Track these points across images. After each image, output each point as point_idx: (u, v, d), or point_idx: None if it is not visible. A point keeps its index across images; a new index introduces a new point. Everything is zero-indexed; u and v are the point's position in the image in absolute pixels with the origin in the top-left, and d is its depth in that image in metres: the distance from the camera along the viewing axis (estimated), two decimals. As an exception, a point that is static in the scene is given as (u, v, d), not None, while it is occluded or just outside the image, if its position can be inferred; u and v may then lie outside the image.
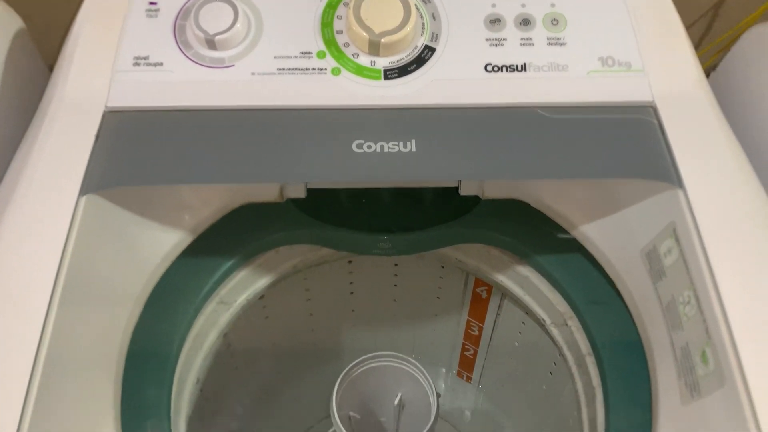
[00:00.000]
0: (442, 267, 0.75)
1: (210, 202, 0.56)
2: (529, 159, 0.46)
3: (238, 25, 0.49)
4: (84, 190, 0.44)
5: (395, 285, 0.79)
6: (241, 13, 0.49)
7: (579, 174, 0.46)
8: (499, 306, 0.74)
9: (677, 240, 0.44)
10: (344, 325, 0.86)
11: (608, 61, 0.50)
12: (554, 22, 0.51)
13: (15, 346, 0.39)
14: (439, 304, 0.82)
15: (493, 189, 0.56)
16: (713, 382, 0.40)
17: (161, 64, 0.49)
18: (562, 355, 0.61)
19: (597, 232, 0.53)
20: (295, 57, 0.49)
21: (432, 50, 0.50)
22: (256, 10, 0.51)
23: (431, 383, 0.66)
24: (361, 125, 0.47)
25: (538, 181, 0.55)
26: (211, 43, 0.49)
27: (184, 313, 0.55)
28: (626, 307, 0.52)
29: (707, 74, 0.53)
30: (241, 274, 0.61)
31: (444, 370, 0.94)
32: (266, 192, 0.57)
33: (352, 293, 0.80)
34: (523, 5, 0.52)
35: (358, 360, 0.67)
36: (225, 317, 0.62)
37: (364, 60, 0.50)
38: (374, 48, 0.49)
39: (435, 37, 0.51)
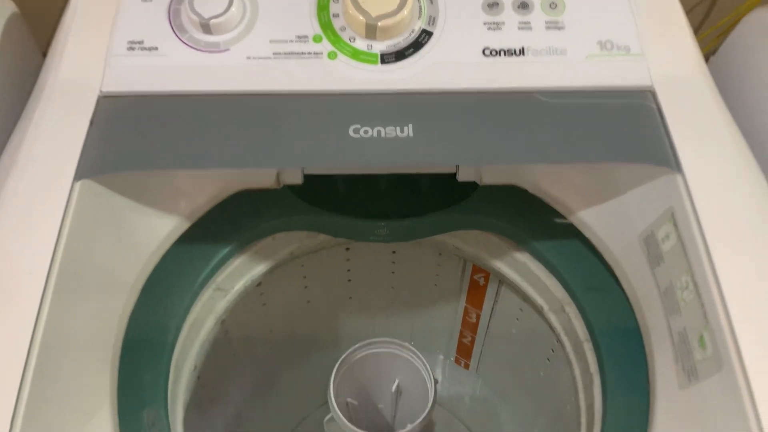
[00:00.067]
0: (440, 254, 0.75)
1: (206, 188, 0.55)
2: (527, 143, 0.46)
3: (233, 8, 0.48)
4: (79, 175, 0.44)
5: (393, 272, 0.79)
6: (236, -4, 0.49)
7: (577, 158, 0.46)
8: (497, 293, 0.74)
9: (675, 225, 0.44)
10: (342, 312, 0.86)
11: (607, 45, 0.50)
12: (552, 5, 0.51)
13: (9, 333, 0.39)
14: (437, 291, 0.82)
15: (491, 175, 0.56)
16: (711, 366, 0.40)
17: (156, 48, 0.49)
18: (559, 341, 0.61)
19: (595, 218, 0.53)
20: (291, 41, 0.49)
21: (429, 34, 0.50)
22: (252, -7, 0.51)
23: (429, 369, 0.66)
24: (358, 110, 0.47)
25: (536, 167, 0.55)
26: (206, 27, 0.48)
27: (181, 300, 0.55)
28: (624, 293, 0.52)
29: (706, 59, 0.52)
30: (237, 261, 0.61)
31: (442, 357, 0.94)
32: (263, 178, 0.56)
33: (349, 281, 0.79)
34: (522, -12, 0.51)
35: (356, 346, 0.67)
36: (222, 304, 0.61)
37: (361, 44, 0.49)
38: (371, 32, 0.48)
39: (432, 20, 0.50)
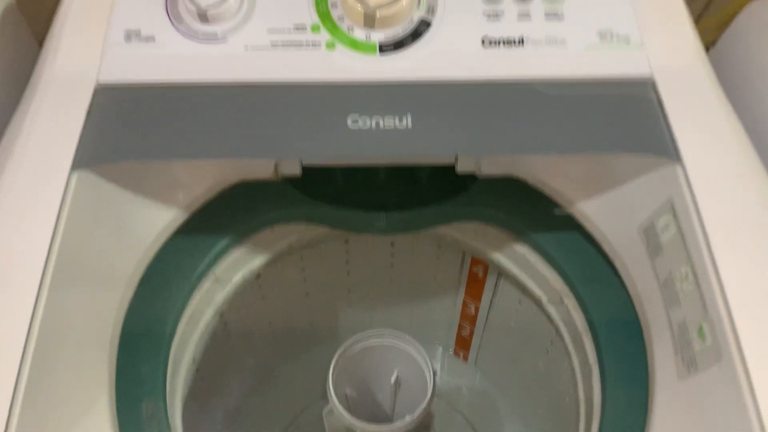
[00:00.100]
0: (439, 246, 0.75)
1: (204, 179, 0.55)
2: (527, 134, 0.46)
3: (231, -2, 0.48)
4: (76, 165, 0.43)
5: (391, 265, 0.79)
6: (233, -15, 0.48)
7: (577, 149, 0.46)
8: (496, 285, 0.74)
9: (675, 215, 0.44)
10: (340, 305, 0.86)
11: (607, 36, 0.49)
12: (552, -5, 0.50)
13: (6, 324, 0.38)
14: (436, 283, 0.82)
15: (490, 166, 0.55)
16: (710, 357, 0.40)
17: (153, 38, 0.48)
18: (558, 333, 0.61)
19: (594, 209, 0.53)
20: (289, 31, 0.49)
21: (428, 24, 0.49)
22: (249, -18, 0.50)
23: (428, 361, 0.66)
24: (356, 100, 0.47)
25: (536, 157, 0.55)
26: (203, 17, 0.48)
27: (179, 292, 0.55)
28: (623, 284, 0.52)
29: (707, 49, 0.52)
30: (236, 253, 0.61)
31: (440, 349, 0.94)
32: (261, 169, 0.56)
33: (348, 273, 0.79)
34: (521, -22, 0.51)
35: (355, 337, 0.66)
36: (221, 296, 0.61)
37: (359, 34, 0.49)
38: (369, 21, 0.48)
39: (431, 10, 0.50)
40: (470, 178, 0.59)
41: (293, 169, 0.55)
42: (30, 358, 0.38)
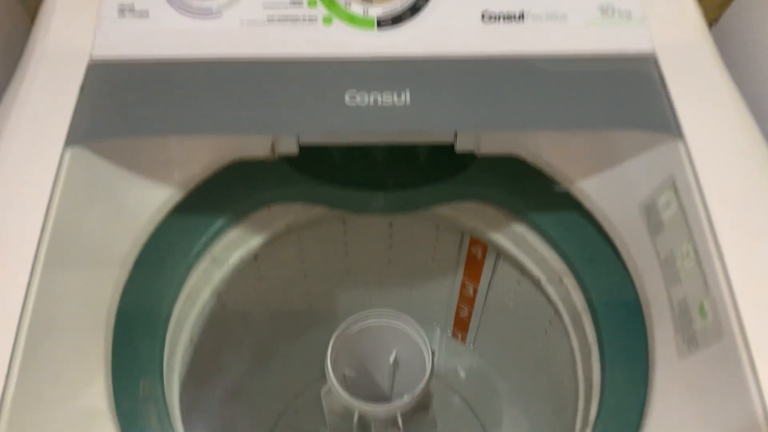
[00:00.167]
0: (437, 227, 0.74)
1: (199, 156, 0.54)
2: (527, 110, 0.45)
3: (225, -29, 0.47)
4: (69, 142, 0.43)
5: (390, 246, 0.79)
6: (228, -41, 0.48)
7: (577, 125, 0.45)
8: (494, 266, 0.73)
9: (676, 192, 0.44)
10: (339, 286, 0.86)
11: (608, 11, 0.49)
12: (553, -31, 0.49)
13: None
14: (434, 264, 0.81)
15: (489, 143, 0.55)
16: (711, 335, 0.39)
17: (147, 12, 0.48)
18: (557, 313, 0.61)
19: (595, 187, 0.52)
20: (286, 5, 0.48)
21: (427, -2, 0.48)
22: (245, -44, 0.49)
23: (426, 340, 0.65)
24: (354, 76, 0.46)
25: (535, 135, 0.54)
26: (198, -9, 0.47)
27: (176, 271, 0.54)
28: (623, 263, 0.52)
29: (709, 26, 0.51)
30: (233, 232, 0.60)
31: (438, 331, 0.94)
32: (257, 147, 0.55)
33: (346, 254, 0.79)
34: (522, -48, 0.50)
35: (353, 317, 0.66)
36: (218, 275, 0.61)
37: (357, 9, 0.48)
38: (367, -4, 0.47)
39: (430, -16, 0.49)
40: (469, 157, 0.59)
41: (290, 147, 0.55)
42: (24, 336, 0.37)
